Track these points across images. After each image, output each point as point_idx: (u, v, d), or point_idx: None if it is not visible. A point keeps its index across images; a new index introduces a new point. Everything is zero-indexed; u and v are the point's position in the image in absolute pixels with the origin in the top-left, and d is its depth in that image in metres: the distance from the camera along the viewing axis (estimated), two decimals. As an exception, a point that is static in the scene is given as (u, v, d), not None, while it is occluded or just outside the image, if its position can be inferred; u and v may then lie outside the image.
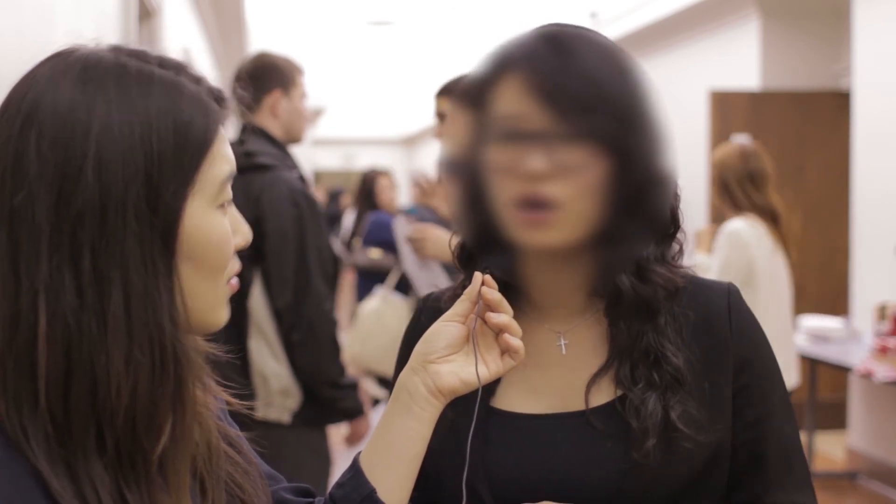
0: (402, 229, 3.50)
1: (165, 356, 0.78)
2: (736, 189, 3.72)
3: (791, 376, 3.74)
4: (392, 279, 4.25)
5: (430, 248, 3.17)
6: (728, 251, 3.64)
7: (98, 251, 0.76)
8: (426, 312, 1.22)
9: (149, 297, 0.77)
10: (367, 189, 6.42)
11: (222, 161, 0.84)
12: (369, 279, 5.52)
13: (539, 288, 1.16)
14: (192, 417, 0.81)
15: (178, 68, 0.84)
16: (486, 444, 1.11)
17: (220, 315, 0.86)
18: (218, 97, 0.85)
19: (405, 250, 3.37)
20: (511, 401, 1.14)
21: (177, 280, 0.80)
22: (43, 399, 0.75)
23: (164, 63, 0.83)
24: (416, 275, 3.46)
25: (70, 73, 0.79)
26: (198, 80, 0.84)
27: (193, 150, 0.81)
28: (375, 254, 5.51)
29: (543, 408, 1.14)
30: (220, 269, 0.85)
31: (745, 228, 3.66)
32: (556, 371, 1.14)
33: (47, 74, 0.79)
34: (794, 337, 3.97)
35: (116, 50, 0.82)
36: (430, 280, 3.18)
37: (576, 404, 1.13)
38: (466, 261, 1.19)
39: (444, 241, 3.19)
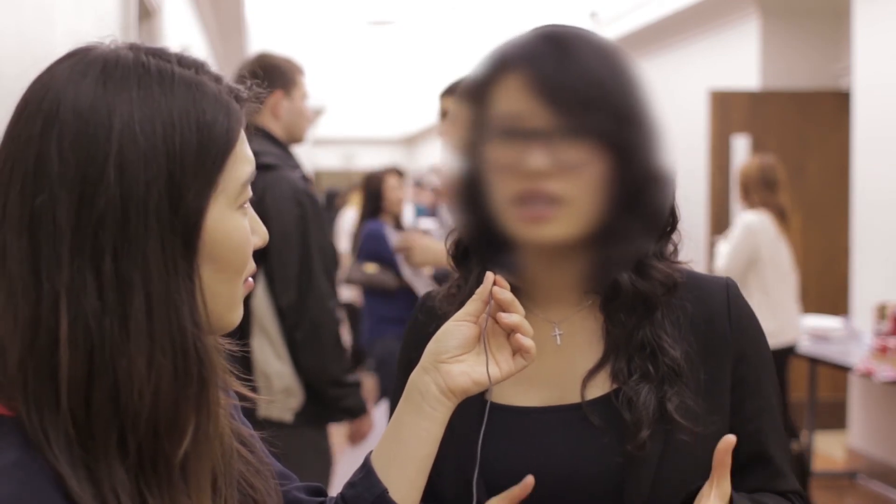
0: (393, 239, 3.51)
1: (188, 359, 0.77)
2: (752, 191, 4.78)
3: (793, 333, 4.73)
4: None
5: (417, 256, 3.21)
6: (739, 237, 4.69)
7: (119, 254, 0.75)
8: (423, 311, 1.23)
9: (170, 300, 0.76)
10: (374, 191, 5.55)
11: (244, 162, 0.83)
12: (369, 297, 5.30)
13: (534, 282, 1.16)
14: (214, 419, 0.80)
15: (198, 67, 0.82)
16: (482, 438, 1.11)
17: (236, 315, 0.85)
18: (237, 96, 0.84)
19: (399, 259, 3.40)
20: (506, 393, 1.14)
21: (198, 281, 0.79)
22: (64, 402, 0.74)
23: (184, 61, 0.81)
24: (414, 282, 3.47)
25: (90, 71, 0.77)
26: (217, 79, 0.83)
27: (216, 151, 0.79)
28: (371, 268, 5.14)
29: (539, 400, 1.14)
30: (240, 270, 0.84)
31: (754, 219, 4.69)
32: (552, 362, 1.14)
33: (66, 73, 0.78)
34: (796, 301, 4.90)
35: (135, 48, 0.81)
36: (426, 287, 3.20)
37: (571, 397, 1.13)
38: (461, 259, 1.20)
39: (430, 249, 3.25)
